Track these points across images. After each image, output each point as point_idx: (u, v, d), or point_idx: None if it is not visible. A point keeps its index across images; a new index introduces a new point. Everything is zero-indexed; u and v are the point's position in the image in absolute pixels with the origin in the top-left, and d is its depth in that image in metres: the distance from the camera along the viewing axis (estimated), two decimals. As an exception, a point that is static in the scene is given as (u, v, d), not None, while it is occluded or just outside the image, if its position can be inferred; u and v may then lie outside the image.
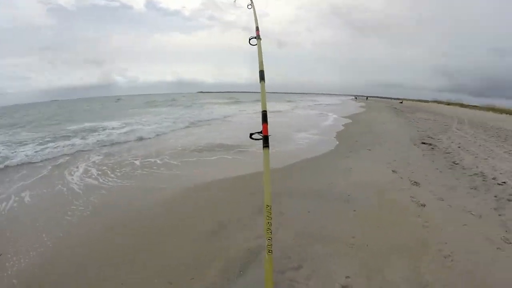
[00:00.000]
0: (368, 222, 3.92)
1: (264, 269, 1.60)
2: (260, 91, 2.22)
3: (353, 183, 5.45)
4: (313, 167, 6.78)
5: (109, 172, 7.01)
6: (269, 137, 1.91)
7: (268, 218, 1.65)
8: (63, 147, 10.29)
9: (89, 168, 7.45)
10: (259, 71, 2.24)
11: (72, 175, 6.89)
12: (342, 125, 14.58)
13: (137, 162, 7.83)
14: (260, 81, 2.20)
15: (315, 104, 39.32)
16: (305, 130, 12.83)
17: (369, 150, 8.11)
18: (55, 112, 35.24)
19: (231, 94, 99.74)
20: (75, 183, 6.31)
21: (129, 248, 3.66)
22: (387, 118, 19.37)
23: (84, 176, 6.76)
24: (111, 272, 3.22)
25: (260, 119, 2.06)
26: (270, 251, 1.60)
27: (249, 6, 3.07)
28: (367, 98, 72.14)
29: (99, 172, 7.03)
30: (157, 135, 12.86)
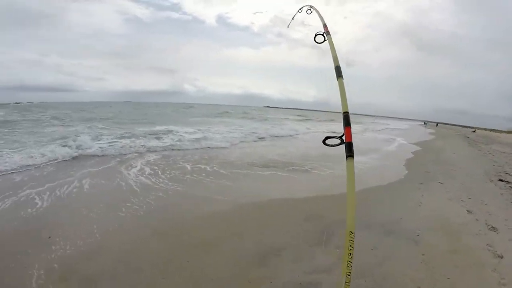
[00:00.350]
0: (437, 271, 3.25)
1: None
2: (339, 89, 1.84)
3: (424, 220, 4.71)
4: (381, 196, 6.11)
5: (174, 175, 7.20)
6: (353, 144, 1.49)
7: (350, 248, 1.29)
8: (135, 145, 10.86)
9: (151, 168, 7.76)
10: (335, 67, 1.91)
11: (133, 172, 7.22)
12: (412, 152, 13.30)
13: (208, 168, 7.94)
14: (337, 78, 1.85)
15: (386, 128, 36.42)
16: (373, 155, 11.83)
17: (441, 183, 7.11)
18: (130, 112, 38.10)
19: (300, 111, 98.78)
20: (133, 179, 6.56)
21: (169, 254, 3.52)
22: (459, 147, 17.47)
23: (139, 174, 6.99)
24: (146, 273, 3.11)
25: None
26: (348, 292, 1.18)
27: (309, 11, 2.79)
28: (437, 124, 67.24)
29: (160, 173, 7.23)
30: (231, 145, 12.95)
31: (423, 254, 3.60)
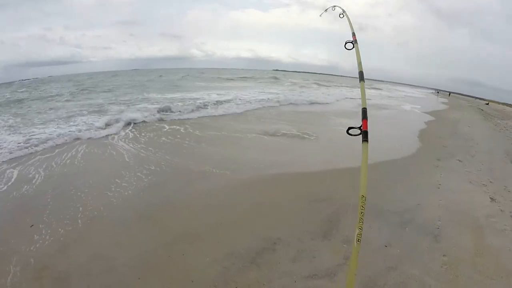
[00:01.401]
0: (460, 280, 2.58)
1: (350, 259, 1.29)
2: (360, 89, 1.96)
3: (444, 209, 3.95)
4: (395, 173, 5.33)
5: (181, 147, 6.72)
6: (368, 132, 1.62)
7: (361, 208, 1.38)
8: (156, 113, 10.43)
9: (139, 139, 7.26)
10: (359, 72, 2.06)
11: (125, 143, 6.78)
12: (425, 122, 12.12)
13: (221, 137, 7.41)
14: (359, 81, 2.00)
15: (401, 96, 33.56)
16: (384, 124, 10.83)
17: (460, 161, 6.24)
18: (148, 79, 35.55)
19: (310, 75, 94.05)
20: (123, 148, 6.29)
21: (150, 248, 2.96)
22: (474, 120, 16.04)
23: (131, 143, 6.54)
24: (121, 272, 2.62)
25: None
26: (359, 240, 1.31)
27: (341, 15, 2.83)
28: (449, 94, 63.72)
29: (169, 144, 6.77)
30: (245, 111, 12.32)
31: (444, 255, 2.92)
